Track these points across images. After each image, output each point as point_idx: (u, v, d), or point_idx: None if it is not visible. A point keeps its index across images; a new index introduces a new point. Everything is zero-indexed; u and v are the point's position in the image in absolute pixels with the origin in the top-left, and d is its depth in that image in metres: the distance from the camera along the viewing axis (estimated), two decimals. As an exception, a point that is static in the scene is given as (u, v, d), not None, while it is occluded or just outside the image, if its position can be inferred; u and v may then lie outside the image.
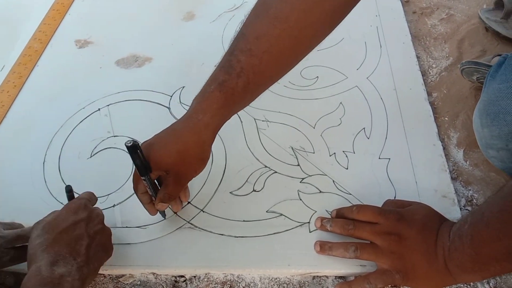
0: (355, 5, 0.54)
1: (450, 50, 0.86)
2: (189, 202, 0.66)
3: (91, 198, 0.58)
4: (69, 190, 0.57)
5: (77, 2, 1.03)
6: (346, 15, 0.55)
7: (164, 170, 0.56)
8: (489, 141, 0.62)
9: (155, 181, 0.58)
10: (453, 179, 0.67)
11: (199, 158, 0.57)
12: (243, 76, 0.52)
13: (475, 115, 0.64)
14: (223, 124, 0.56)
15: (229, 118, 0.57)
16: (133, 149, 0.53)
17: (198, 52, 0.88)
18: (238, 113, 0.72)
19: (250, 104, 0.75)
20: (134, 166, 0.55)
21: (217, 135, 0.57)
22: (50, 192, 0.69)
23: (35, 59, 0.90)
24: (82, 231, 0.52)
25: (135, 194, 0.59)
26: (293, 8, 0.51)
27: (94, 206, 0.58)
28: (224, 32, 0.92)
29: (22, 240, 0.56)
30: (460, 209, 0.63)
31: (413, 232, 0.54)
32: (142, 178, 0.55)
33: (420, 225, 0.55)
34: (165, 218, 0.64)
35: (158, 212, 0.61)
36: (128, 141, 0.52)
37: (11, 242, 0.56)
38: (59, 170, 0.72)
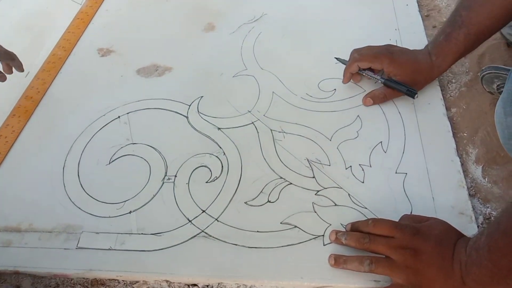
0: None
1: (470, 65, 0.85)
2: (203, 211, 0.66)
3: None
4: None
5: (101, 12, 1.06)
6: None
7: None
8: None
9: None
10: (471, 196, 0.66)
11: (423, 83, 0.77)
12: (463, 27, 0.69)
13: (498, 105, 0.62)
14: (447, 69, 0.75)
15: (453, 63, 0.74)
16: (413, 94, 0.74)
17: (217, 63, 0.89)
18: (255, 123, 0.78)
19: (266, 115, 0.77)
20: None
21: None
22: (69, 197, 0.70)
23: (58, 66, 0.93)
24: None
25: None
26: None
27: None
28: (243, 44, 0.93)
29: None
30: (478, 226, 0.62)
31: (429, 247, 0.53)
32: (382, 79, 0.76)
33: (436, 240, 0.54)
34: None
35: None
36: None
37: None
38: (78, 176, 0.73)
